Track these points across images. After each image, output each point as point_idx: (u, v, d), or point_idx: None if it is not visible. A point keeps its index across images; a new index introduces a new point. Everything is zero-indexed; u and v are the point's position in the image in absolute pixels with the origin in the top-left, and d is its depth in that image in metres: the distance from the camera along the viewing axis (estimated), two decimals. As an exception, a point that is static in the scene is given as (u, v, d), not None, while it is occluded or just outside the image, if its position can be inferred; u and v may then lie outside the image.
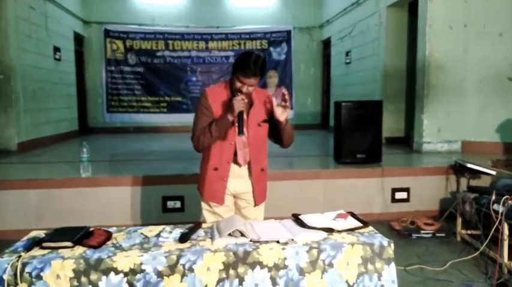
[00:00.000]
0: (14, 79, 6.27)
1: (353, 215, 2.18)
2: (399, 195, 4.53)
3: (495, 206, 3.14)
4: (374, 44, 7.50)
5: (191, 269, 1.71)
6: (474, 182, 4.25)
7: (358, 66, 8.25)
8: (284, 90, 2.15)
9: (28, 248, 1.75)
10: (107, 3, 10.07)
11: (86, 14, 9.84)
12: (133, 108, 10.29)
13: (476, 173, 4.20)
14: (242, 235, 1.87)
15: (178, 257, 1.72)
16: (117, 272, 1.68)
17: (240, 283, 1.74)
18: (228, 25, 10.54)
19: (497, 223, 3.06)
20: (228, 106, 2.16)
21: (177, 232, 1.94)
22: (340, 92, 9.11)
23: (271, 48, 10.56)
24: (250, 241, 1.85)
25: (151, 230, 2.00)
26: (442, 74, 5.83)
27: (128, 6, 10.25)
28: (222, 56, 10.55)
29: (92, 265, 1.67)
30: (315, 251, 1.80)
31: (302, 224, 2.03)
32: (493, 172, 4.06)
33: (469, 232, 3.75)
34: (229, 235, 1.86)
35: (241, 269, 1.75)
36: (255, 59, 2.10)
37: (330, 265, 1.80)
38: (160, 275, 1.70)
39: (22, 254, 1.69)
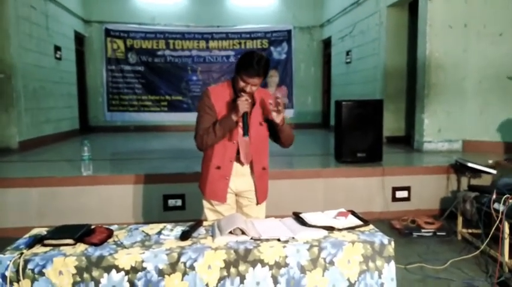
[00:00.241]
0: (15, 78, 6.28)
1: (354, 213, 2.19)
2: (400, 194, 4.54)
3: (496, 205, 3.14)
4: (374, 44, 7.50)
5: (192, 267, 1.72)
6: (475, 181, 4.26)
7: (359, 65, 8.25)
8: (278, 94, 2.15)
9: (30, 245, 1.76)
10: (108, 3, 10.07)
11: (86, 13, 9.85)
12: (134, 107, 10.31)
13: (476, 172, 4.20)
14: (243, 233, 1.87)
15: (180, 254, 1.73)
16: (118, 269, 1.69)
17: (242, 281, 1.75)
18: (228, 24, 10.54)
19: (497, 222, 3.07)
20: (232, 106, 2.17)
21: (178, 229, 1.95)
22: (340, 91, 9.12)
23: (272, 48, 10.57)
24: (251, 239, 1.85)
25: (152, 228, 2.01)
26: (442, 73, 5.83)
27: (129, 5, 10.25)
28: (222, 56, 10.56)
29: (94, 262, 1.68)
30: (315, 249, 1.80)
31: (303, 222, 2.03)
32: (494, 171, 4.07)
33: (469, 230, 3.76)
34: (230, 232, 1.87)
35: (242, 267, 1.75)
36: (258, 59, 2.10)
37: (331, 263, 1.81)
38: (161, 273, 1.70)
39: (24, 251, 1.70)
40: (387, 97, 6.89)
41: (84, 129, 9.50)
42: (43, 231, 1.96)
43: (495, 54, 5.72)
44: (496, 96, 5.76)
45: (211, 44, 10.49)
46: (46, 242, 1.77)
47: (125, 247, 1.77)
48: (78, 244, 1.79)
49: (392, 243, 1.88)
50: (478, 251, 3.31)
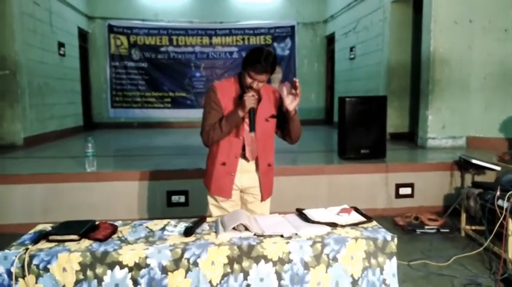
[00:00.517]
0: (19, 74, 6.30)
1: (357, 210, 2.19)
2: (403, 190, 4.53)
3: (500, 202, 3.13)
4: (378, 40, 7.46)
5: (196, 264, 1.72)
6: (479, 178, 4.24)
7: (362, 61, 8.22)
8: (295, 79, 2.16)
9: (35, 241, 1.77)
10: (111, -1, 10.08)
11: (90, 9, 9.85)
12: (137, 104, 10.32)
13: (480, 169, 4.18)
14: (246, 229, 1.88)
15: (183, 250, 1.73)
16: (122, 266, 1.69)
17: (245, 277, 1.75)
18: (231, 20, 10.51)
19: (501, 219, 3.06)
20: (239, 102, 2.17)
21: (182, 225, 1.96)
22: (344, 87, 9.09)
23: (275, 44, 10.53)
24: (255, 235, 1.86)
25: (156, 224, 2.01)
26: (446, 69, 5.80)
27: (132, 1, 10.24)
28: (225, 52, 10.54)
29: (98, 258, 1.69)
30: (318, 246, 1.80)
31: (306, 218, 2.04)
32: (498, 168, 4.05)
33: (473, 227, 3.75)
34: (234, 229, 1.88)
35: (245, 264, 1.76)
36: (266, 55, 2.10)
37: (335, 259, 1.81)
38: (164, 270, 1.71)
39: (29, 246, 1.71)
40: (391, 93, 6.87)
41: (88, 126, 9.53)
42: (48, 227, 1.97)
43: (500, 50, 5.68)
44: (501, 93, 5.72)
45: (215, 40, 10.47)
46: (51, 237, 1.78)
47: (129, 243, 1.78)
48: (83, 239, 1.80)
49: (395, 239, 1.88)
50: (481, 248, 3.31)
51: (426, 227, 3.96)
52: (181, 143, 7.35)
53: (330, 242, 1.82)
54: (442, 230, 3.93)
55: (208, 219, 2.12)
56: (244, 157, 2.31)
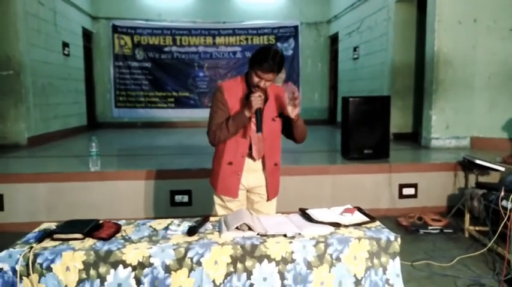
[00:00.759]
0: (23, 74, 6.33)
1: (360, 210, 2.19)
2: (407, 191, 4.52)
3: (504, 203, 3.12)
4: (382, 40, 7.44)
5: (199, 263, 1.72)
6: (483, 179, 4.23)
7: (366, 61, 8.20)
8: (294, 88, 2.15)
9: (40, 239, 1.78)
10: (115, -1, 10.12)
11: (94, 9, 9.89)
12: (141, 104, 10.34)
13: (484, 169, 4.16)
14: (249, 228, 1.88)
15: (187, 250, 1.73)
16: (125, 265, 1.70)
17: (248, 277, 1.75)
18: (235, 20, 10.52)
19: (505, 219, 3.04)
20: (245, 102, 2.16)
21: (185, 225, 1.96)
22: (347, 87, 9.07)
23: (279, 44, 10.52)
24: (258, 234, 1.86)
25: (159, 223, 2.02)
26: (450, 69, 5.78)
27: (136, 1, 10.27)
28: (229, 52, 10.55)
29: (102, 257, 1.69)
30: (321, 246, 1.80)
31: (309, 218, 2.03)
32: (502, 168, 4.03)
33: (477, 228, 3.74)
34: (237, 228, 1.88)
35: (249, 263, 1.76)
36: (273, 54, 2.10)
37: (338, 259, 1.81)
38: (168, 270, 1.71)
39: (34, 245, 1.72)
40: (395, 93, 6.85)
41: (91, 126, 9.57)
42: (52, 225, 1.98)
43: (505, 50, 5.65)
44: (505, 93, 5.69)
45: (218, 40, 10.48)
46: (55, 236, 1.79)
47: (133, 242, 1.79)
48: (87, 238, 1.80)
49: (399, 239, 1.88)
50: (485, 249, 3.29)
51: (430, 227, 3.95)
52: (184, 143, 7.37)
53: (333, 242, 1.82)
54: (445, 231, 3.92)
55: (211, 218, 2.12)
56: (250, 156, 2.31)
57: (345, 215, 2.11)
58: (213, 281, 1.74)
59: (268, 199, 2.42)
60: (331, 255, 1.81)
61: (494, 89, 5.75)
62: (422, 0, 6.53)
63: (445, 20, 5.72)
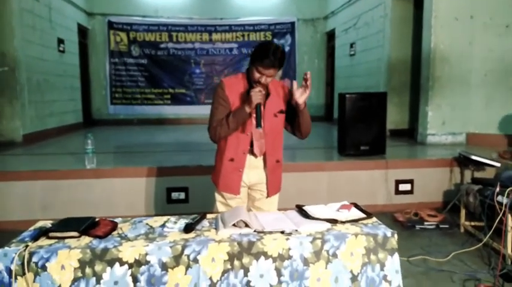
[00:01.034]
0: (18, 71, 6.28)
1: (357, 206, 2.19)
2: (403, 187, 4.53)
3: (499, 198, 3.13)
4: (379, 36, 7.44)
5: (196, 260, 1.72)
6: (478, 174, 4.25)
7: (363, 58, 8.20)
8: (307, 72, 2.14)
9: (35, 238, 1.77)
10: (110, -5, 10.04)
11: (89, 5, 9.82)
12: (137, 100, 10.31)
13: (480, 165, 4.19)
14: (246, 225, 1.88)
15: (183, 247, 1.73)
16: (122, 263, 1.69)
17: (245, 274, 1.75)
18: (231, 17, 10.48)
19: (501, 215, 3.06)
20: (246, 98, 2.16)
21: (182, 222, 1.96)
22: (344, 83, 9.07)
23: (275, 40, 10.49)
24: (255, 231, 1.86)
25: (156, 221, 2.01)
26: (447, 66, 5.79)
27: (132, -3, 10.22)
28: (225, 48, 10.52)
29: (98, 255, 1.68)
30: (318, 242, 1.80)
31: (306, 215, 2.04)
32: (498, 164, 4.05)
33: (472, 223, 3.76)
34: (234, 225, 1.88)
35: (246, 260, 1.76)
36: (274, 49, 2.09)
37: (334, 255, 1.81)
38: (164, 267, 1.71)
39: (29, 244, 1.71)
40: (391, 90, 6.86)
41: (87, 123, 9.52)
42: (48, 224, 1.97)
43: (501, 46, 5.67)
44: (501, 89, 5.71)
45: (215, 36, 10.45)
46: (51, 234, 1.78)
47: (129, 240, 1.78)
48: (83, 236, 1.79)
49: (396, 236, 1.88)
50: (480, 244, 3.32)
51: (426, 223, 3.97)
52: (181, 140, 7.35)
53: (330, 238, 1.82)
54: (441, 226, 3.94)
55: (208, 216, 2.11)
56: (252, 152, 2.30)
57: (342, 211, 2.11)
58: (210, 278, 1.73)
59: (268, 196, 2.41)
60: (327, 251, 1.81)
61: (491, 85, 5.77)
62: (418, -4, 6.54)
63: (441, 17, 5.72)
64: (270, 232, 1.85)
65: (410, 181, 4.54)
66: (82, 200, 4.07)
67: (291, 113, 2.27)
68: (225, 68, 10.46)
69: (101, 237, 1.79)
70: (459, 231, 3.86)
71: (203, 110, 9.95)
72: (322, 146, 6.44)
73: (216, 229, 1.90)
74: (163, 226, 1.94)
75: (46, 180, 4.10)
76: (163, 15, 10.28)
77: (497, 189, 3.19)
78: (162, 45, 10.25)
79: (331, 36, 10.38)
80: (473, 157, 4.11)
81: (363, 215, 2.06)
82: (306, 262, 1.79)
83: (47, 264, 1.66)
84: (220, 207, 2.40)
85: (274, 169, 2.38)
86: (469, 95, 5.85)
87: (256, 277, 1.76)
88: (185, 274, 1.72)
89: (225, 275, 1.74)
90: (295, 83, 2.16)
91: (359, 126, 4.76)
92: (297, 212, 2.11)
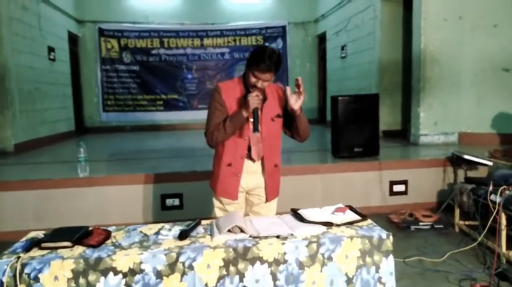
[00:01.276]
0: (8, 80, 6.23)
1: (351, 208, 2.19)
2: (397, 188, 4.55)
3: (492, 197, 3.15)
4: (369, 38, 7.49)
5: (191, 267, 1.71)
6: (471, 173, 4.27)
7: (354, 60, 8.25)
8: (298, 77, 2.14)
9: (27, 249, 1.74)
10: (101, 2, 10.00)
11: (79, 13, 9.78)
12: (129, 107, 10.27)
13: (473, 164, 4.21)
14: (241, 231, 1.87)
15: (178, 254, 1.72)
16: (116, 272, 1.67)
17: (241, 279, 1.74)
18: (223, 22, 10.50)
19: (494, 213, 3.08)
20: (243, 102, 2.15)
21: (176, 229, 1.94)
22: (336, 86, 9.11)
23: (267, 44, 10.53)
24: (250, 236, 1.85)
25: (150, 228, 2.00)
26: (437, 66, 5.84)
27: (122, 4, 10.19)
28: (217, 53, 10.53)
29: (92, 265, 1.66)
30: (314, 245, 1.80)
31: (301, 218, 2.03)
32: (490, 163, 4.08)
33: (467, 222, 3.78)
34: (229, 231, 1.86)
35: (241, 265, 1.75)
36: (270, 54, 2.09)
37: (329, 258, 1.81)
38: (159, 275, 1.69)
39: (21, 255, 1.68)
40: (383, 91, 6.90)
41: (80, 130, 9.46)
42: (40, 234, 1.94)
43: (490, 46, 5.73)
44: (492, 89, 5.77)
45: (206, 41, 10.45)
46: (43, 245, 1.75)
47: (123, 248, 1.76)
48: (76, 246, 1.77)
49: (391, 237, 1.88)
50: (475, 243, 3.33)
51: (420, 223, 3.98)
52: (174, 146, 7.32)
53: (326, 241, 1.81)
54: (436, 226, 3.95)
55: (203, 222, 2.10)
56: (250, 157, 2.29)
57: (337, 214, 2.11)
58: (206, 285, 1.72)
59: (267, 201, 2.39)
60: (323, 255, 1.80)
61: (481, 85, 5.82)
62: (407, -2, 6.59)
63: (430, 18, 5.77)
64: (266, 237, 1.84)
65: (405, 182, 4.56)
66: (75, 209, 4.03)
67: (288, 118, 2.27)
68: (217, 73, 10.46)
69: (94, 246, 1.76)
70: (454, 231, 3.88)
71: (196, 116, 9.95)
72: (316, 148, 6.44)
73: (211, 235, 1.89)
74: (157, 233, 1.93)
75: (38, 189, 4.05)
76: (154, 21, 10.27)
77: (491, 188, 3.21)
78: (154, 52, 10.23)
79: (322, 39, 10.44)
80: (466, 157, 4.13)
81: (358, 218, 2.06)
82: (301, 266, 1.78)
83: (39, 275, 1.63)
84: (218, 213, 2.38)
85: (273, 173, 2.36)
86: (460, 95, 5.90)
87: (252, 282, 1.75)
88: (180, 281, 1.71)
89: (221, 281, 1.73)
90: (288, 89, 2.16)
91: (352, 129, 4.78)
92: (292, 216, 2.10)
